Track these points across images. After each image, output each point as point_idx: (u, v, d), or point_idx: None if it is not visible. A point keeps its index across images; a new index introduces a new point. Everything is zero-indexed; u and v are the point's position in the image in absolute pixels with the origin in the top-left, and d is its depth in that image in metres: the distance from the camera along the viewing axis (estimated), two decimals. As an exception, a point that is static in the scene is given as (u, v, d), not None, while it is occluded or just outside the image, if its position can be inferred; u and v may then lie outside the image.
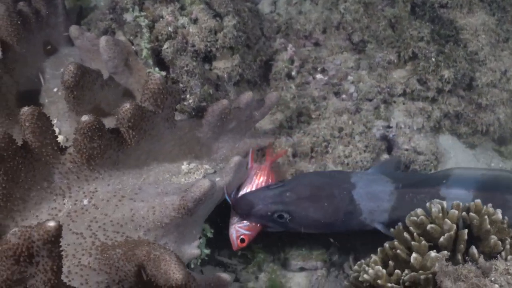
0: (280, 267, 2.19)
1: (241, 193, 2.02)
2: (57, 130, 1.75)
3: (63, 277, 1.19)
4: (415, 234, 1.68)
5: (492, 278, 1.37)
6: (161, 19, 2.13)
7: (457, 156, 2.55)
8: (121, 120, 1.65)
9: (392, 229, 1.81)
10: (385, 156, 2.37)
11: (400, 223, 1.79)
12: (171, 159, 1.88)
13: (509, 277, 1.40)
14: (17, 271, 1.10)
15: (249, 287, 2.13)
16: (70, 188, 1.67)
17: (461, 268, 1.42)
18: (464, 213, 1.68)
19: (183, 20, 2.13)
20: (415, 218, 1.70)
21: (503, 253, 1.57)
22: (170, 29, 2.12)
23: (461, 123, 2.55)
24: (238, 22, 2.23)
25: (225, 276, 1.59)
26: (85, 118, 1.55)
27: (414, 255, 1.60)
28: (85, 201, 1.68)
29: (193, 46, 2.15)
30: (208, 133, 1.95)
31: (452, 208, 1.70)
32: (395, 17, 2.48)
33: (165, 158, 1.86)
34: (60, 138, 1.81)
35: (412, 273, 1.55)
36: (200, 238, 1.83)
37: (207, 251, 1.91)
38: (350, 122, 2.33)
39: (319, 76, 2.47)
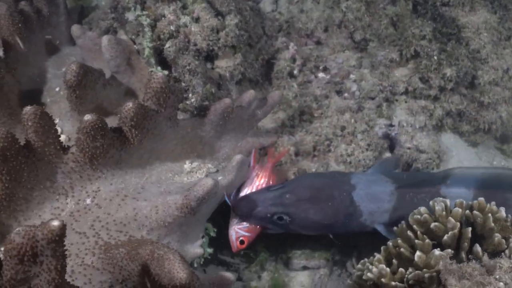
0: (283, 266, 2.18)
1: (242, 194, 2.01)
2: (59, 130, 1.75)
3: (66, 276, 1.18)
4: (418, 232, 1.67)
5: (497, 276, 1.37)
6: (163, 18, 2.13)
7: (459, 154, 2.54)
8: (124, 119, 1.65)
9: (395, 228, 1.80)
10: (387, 154, 2.37)
11: (403, 222, 1.78)
12: (173, 158, 1.87)
13: (514, 275, 1.40)
14: (21, 271, 1.10)
15: (252, 286, 2.13)
16: (73, 187, 1.67)
17: (465, 266, 1.42)
18: (467, 211, 1.68)
19: (185, 19, 2.13)
20: (419, 216, 1.70)
21: (507, 251, 1.57)
22: (172, 28, 2.11)
23: (463, 121, 2.55)
24: (240, 21, 2.23)
25: (228, 275, 1.59)
26: (88, 117, 1.55)
27: (418, 253, 1.59)
28: (88, 201, 1.67)
29: (195, 45, 2.15)
30: (211, 132, 1.94)
31: (455, 206, 1.69)
32: (397, 15, 2.48)
33: (168, 157, 1.86)
34: (63, 138, 1.80)
35: (416, 272, 1.54)
36: (203, 237, 1.83)
37: (210, 250, 1.90)
38: (353, 120, 2.33)
39: (321, 74, 2.47)
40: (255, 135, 2.13)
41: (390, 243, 1.74)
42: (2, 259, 1.11)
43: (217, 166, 1.95)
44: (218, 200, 1.87)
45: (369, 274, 1.66)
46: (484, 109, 2.53)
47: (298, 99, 2.38)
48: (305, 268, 2.16)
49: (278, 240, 2.16)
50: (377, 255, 1.74)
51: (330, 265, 2.18)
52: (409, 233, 1.69)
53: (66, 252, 1.15)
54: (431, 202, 1.74)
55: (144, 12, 2.12)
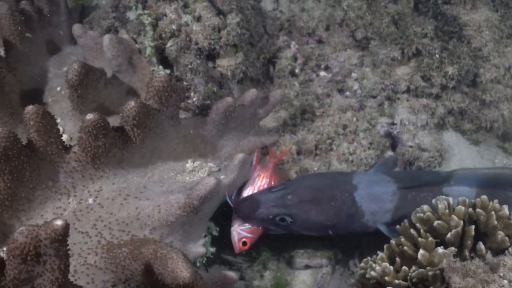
0: (285, 265, 2.18)
1: (243, 195, 2.01)
2: (61, 129, 1.74)
3: (69, 276, 1.18)
4: (421, 230, 1.67)
5: (501, 274, 1.37)
6: (164, 17, 2.13)
7: (461, 152, 2.54)
8: (126, 118, 1.64)
9: (397, 226, 1.80)
10: (389, 153, 2.37)
11: (406, 220, 1.78)
12: (175, 157, 1.87)
13: (518, 272, 1.40)
14: (24, 270, 1.10)
15: (254, 285, 2.13)
16: (75, 187, 1.67)
17: (469, 264, 1.42)
18: (470, 209, 1.68)
19: (186, 18, 2.13)
20: (422, 214, 1.70)
21: (510, 249, 1.56)
22: (173, 27, 2.11)
23: (465, 119, 2.55)
24: (241, 20, 2.23)
25: (231, 274, 1.59)
26: (90, 116, 1.54)
27: (421, 251, 1.59)
28: (90, 200, 1.67)
29: (197, 44, 2.14)
30: (213, 131, 1.94)
31: (458, 205, 1.69)
32: (398, 13, 2.47)
33: (170, 156, 1.85)
34: (64, 137, 1.79)
35: (420, 270, 1.54)
36: (205, 236, 1.83)
37: (212, 249, 1.90)
38: (354, 119, 2.33)
39: (322, 73, 2.47)
40: (257, 134, 2.13)
41: (393, 242, 1.74)
42: (5, 258, 1.10)
43: (219, 165, 1.95)
44: (220, 199, 1.87)
45: (372, 273, 1.65)
46: (486, 107, 2.52)
47: (300, 98, 2.37)
48: (307, 267, 2.16)
49: (281, 239, 2.16)
50: (380, 254, 1.73)
51: (332, 263, 2.17)
52: (412, 231, 1.69)
53: (69, 252, 1.14)
54: (433, 200, 1.74)
55: (146, 11, 2.11)
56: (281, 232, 2.03)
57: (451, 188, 2.03)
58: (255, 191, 2.01)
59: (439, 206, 1.69)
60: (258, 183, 2.03)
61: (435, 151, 2.39)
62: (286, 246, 2.19)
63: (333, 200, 1.97)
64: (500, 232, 1.60)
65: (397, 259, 1.67)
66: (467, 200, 1.71)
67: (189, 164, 1.87)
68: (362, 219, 2.00)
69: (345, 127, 2.30)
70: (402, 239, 1.70)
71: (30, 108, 1.51)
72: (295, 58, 2.47)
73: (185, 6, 2.16)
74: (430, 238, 1.62)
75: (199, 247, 1.77)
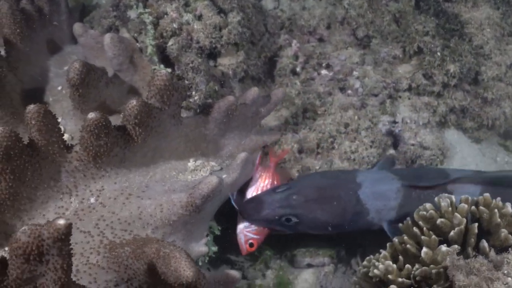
0: (288, 264, 2.18)
1: (247, 196, 2.00)
2: (62, 129, 1.74)
3: (71, 275, 1.18)
4: (424, 228, 1.67)
5: (505, 271, 1.36)
6: (165, 16, 2.12)
7: (462, 150, 2.54)
8: (128, 117, 1.64)
9: (400, 224, 1.79)
10: (391, 151, 2.36)
11: (408, 218, 1.78)
12: (177, 156, 1.86)
13: (522, 270, 1.39)
14: (27, 270, 1.09)
15: (257, 284, 2.12)
16: (77, 186, 1.66)
17: (473, 261, 1.41)
18: (473, 207, 1.67)
19: (187, 16, 2.12)
20: (424, 212, 1.69)
21: (514, 247, 1.56)
22: (174, 25, 2.10)
23: (466, 117, 2.55)
24: (242, 18, 2.22)
25: (234, 273, 1.58)
26: (91, 115, 1.54)
27: (424, 249, 1.58)
28: (92, 200, 1.66)
29: (198, 42, 2.14)
30: (214, 130, 1.93)
31: (461, 202, 1.69)
32: (400, 11, 2.47)
33: (172, 155, 1.85)
34: (66, 137, 1.78)
35: (423, 268, 1.53)
36: (207, 235, 1.82)
37: (214, 248, 1.89)
38: (356, 117, 2.32)
39: (324, 72, 2.46)
40: (258, 132, 2.12)
41: (395, 240, 1.73)
42: (7, 258, 1.10)
43: (221, 164, 1.94)
44: (222, 198, 1.87)
45: (375, 271, 1.65)
46: (488, 105, 2.52)
47: (301, 97, 2.37)
48: (309, 265, 2.16)
49: (283, 238, 2.15)
50: (383, 252, 1.73)
51: (334, 262, 2.17)
52: (415, 229, 1.68)
53: (71, 251, 1.14)
54: (436, 198, 1.74)
55: (147, 10, 2.11)
56: (287, 232, 2.03)
57: (455, 186, 2.02)
58: (259, 192, 2.01)
59: (442, 204, 1.69)
60: (261, 184, 2.03)
61: (437, 149, 2.39)
62: (288, 245, 2.19)
63: (338, 199, 1.97)
64: (503, 229, 1.59)
65: (400, 257, 1.66)
66: (469, 198, 1.71)
67: (191, 163, 1.87)
68: (367, 217, 2.00)
69: (346, 125, 2.30)
70: (405, 237, 1.70)
71: (31, 107, 1.50)
72: (296, 57, 2.47)
73: (186, 4, 2.16)
74: (433, 236, 1.62)
75: (201, 246, 1.77)
